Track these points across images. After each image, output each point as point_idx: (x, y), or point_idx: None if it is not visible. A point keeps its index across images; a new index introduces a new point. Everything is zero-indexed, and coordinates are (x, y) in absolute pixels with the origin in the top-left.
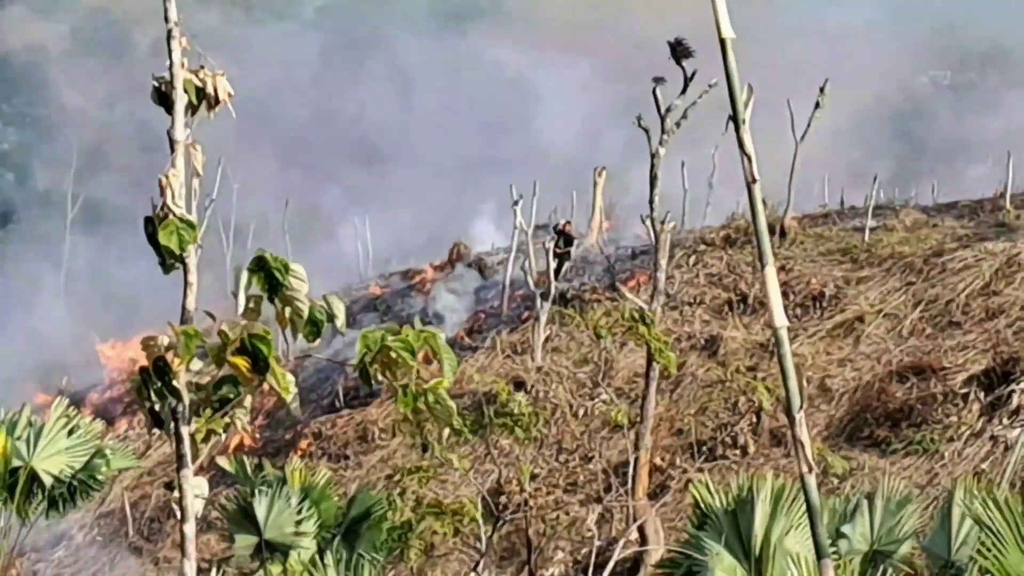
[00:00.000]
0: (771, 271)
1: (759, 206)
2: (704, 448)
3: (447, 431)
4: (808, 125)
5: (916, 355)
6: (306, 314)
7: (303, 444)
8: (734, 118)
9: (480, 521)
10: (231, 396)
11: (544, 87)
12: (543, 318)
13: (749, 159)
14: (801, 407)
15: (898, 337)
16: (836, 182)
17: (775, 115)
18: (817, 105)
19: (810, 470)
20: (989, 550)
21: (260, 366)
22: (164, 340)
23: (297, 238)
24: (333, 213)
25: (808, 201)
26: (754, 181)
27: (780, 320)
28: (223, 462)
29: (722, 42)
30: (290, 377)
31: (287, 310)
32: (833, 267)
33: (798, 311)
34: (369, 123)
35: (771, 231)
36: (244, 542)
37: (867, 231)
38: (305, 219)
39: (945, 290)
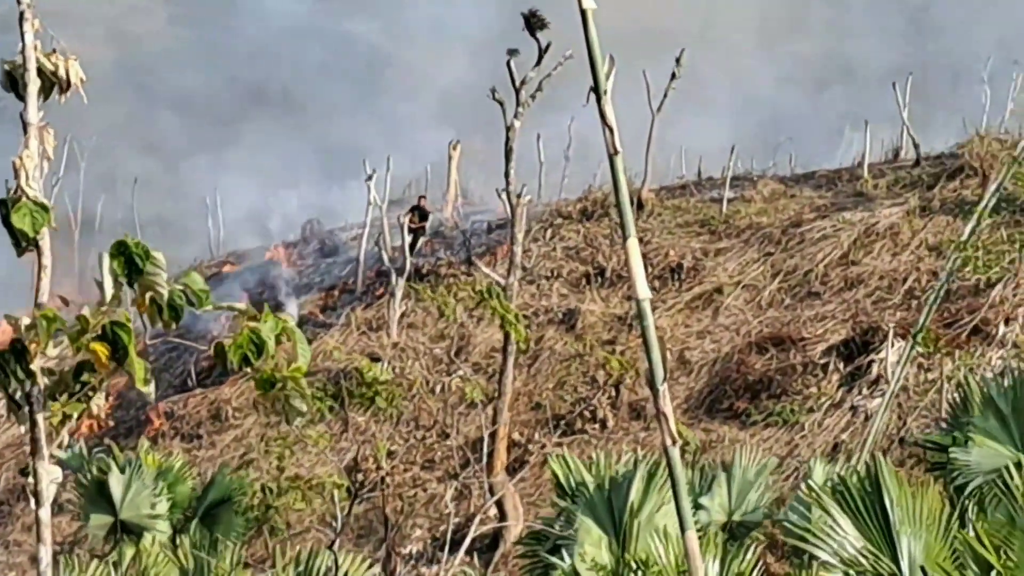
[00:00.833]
0: (633, 243)
1: (622, 178)
2: (563, 423)
3: (300, 415)
4: (664, 95)
5: (775, 326)
6: (166, 300)
7: (155, 424)
8: (595, 89)
9: (336, 498)
10: (89, 382)
11: (400, 59)
12: (398, 294)
13: (611, 130)
14: (664, 379)
15: (757, 308)
16: (692, 154)
17: (631, 85)
18: (673, 76)
19: (674, 443)
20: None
21: (119, 354)
22: (25, 321)
23: (150, 215)
24: (187, 186)
25: (665, 173)
26: (616, 152)
27: (643, 292)
28: (58, 452)
29: (583, 12)
30: (147, 366)
31: (147, 295)
32: (691, 239)
33: (656, 283)
34: (226, 96)
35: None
36: (98, 522)
37: (725, 202)
38: (159, 193)
39: (804, 260)
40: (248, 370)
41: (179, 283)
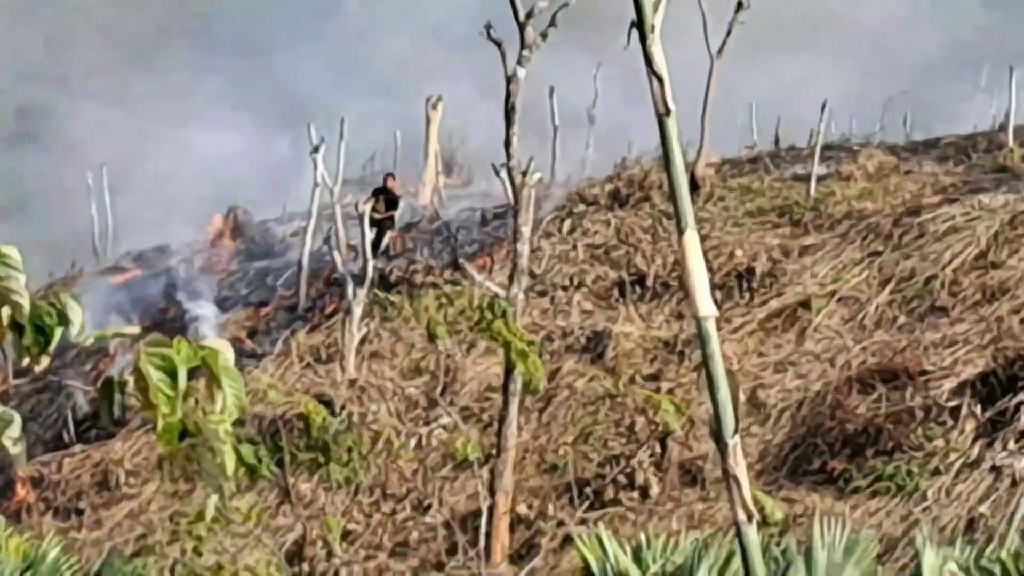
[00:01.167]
0: (692, 238)
1: (675, 147)
2: (588, 490)
3: (224, 480)
4: (728, 32)
5: (885, 355)
6: (27, 319)
7: (18, 494)
8: (638, 24)
9: None
10: None
11: None
12: (357, 311)
13: (660, 81)
14: (736, 430)
15: (859, 330)
16: (769, 111)
17: (680, 15)
18: (740, 5)
19: (749, 517)
20: None
21: None
22: None
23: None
24: (63, 151)
25: (729, 140)
26: (667, 112)
27: (706, 307)
28: None
29: None
30: (14, 416)
31: (3, 313)
32: (766, 232)
33: (718, 295)
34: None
35: None
36: None
37: (813, 181)
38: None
39: (925, 263)
40: (151, 417)
41: (47, 297)
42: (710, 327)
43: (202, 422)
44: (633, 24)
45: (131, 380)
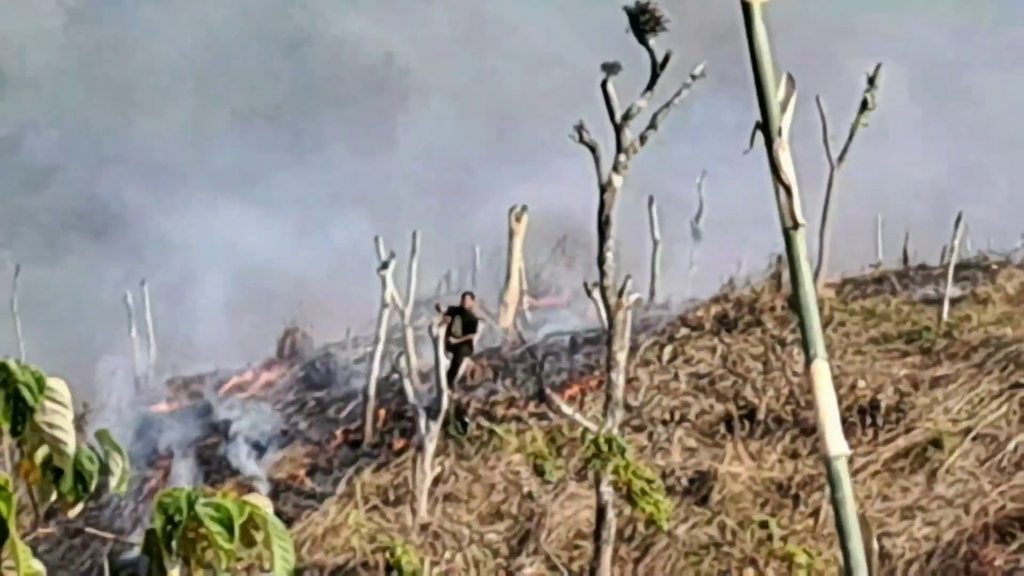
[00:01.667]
0: (822, 368)
1: (804, 265)
2: None
3: None
4: (850, 136)
5: None
6: (69, 463)
7: None
8: (764, 127)
9: None
10: None
11: (422, 74)
12: (429, 447)
13: (788, 192)
14: None
15: (997, 472)
16: (895, 226)
17: (798, 121)
18: (865, 105)
19: None
20: None
21: None
22: None
23: (30, 316)
24: (84, 280)
25: (851, 257)
26: (795, 226)
27: (837, 446)
28: None
29: (745, 3)
30: (38, 566)
31: (39, 453)
32: (892, 361)
33: None
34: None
35: (793, 305)
36: None
37: (946, 304)
38: (39, 287)
39: None
40: (192, 566)
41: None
42: (841, 468)
43: None
44: (758, 126)
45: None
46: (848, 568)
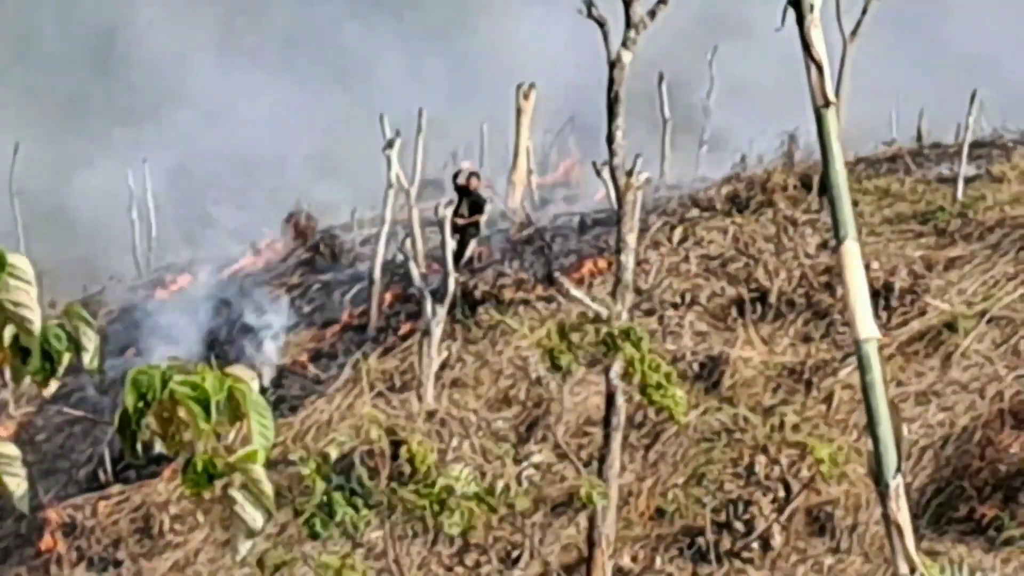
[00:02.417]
0: (853, 249)
1: (835, 144)
2: (701, 540)
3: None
4: (863, 11)
5: None
6: (36, 342)
7: (46, 541)
8: (796, 3)
9: None
10: None
11: None
12: (436, 332)
13: (820, 70)
14: (899, 470)
15: (1013, 355)
16: (910, 103)
17: None
18: None
19: (912, 571)
20: None
21: None
22: None
23: (28, 196)
24: (85, 156)
25: (865, 135)
26: (827, 104)
27: (868, 328)
28: None
29: None
30: (13, 450)
31: (6, 332)
32: (907, 242)
33: None
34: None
35: (806, 184)
36: None
37: (961, 183)
38: (43, 165)
39: None
40: (171, 445)
41: (58, 317)
42: (871, 351)
43: (237, 461)
44: (789, 2)
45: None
46: (877, 454)
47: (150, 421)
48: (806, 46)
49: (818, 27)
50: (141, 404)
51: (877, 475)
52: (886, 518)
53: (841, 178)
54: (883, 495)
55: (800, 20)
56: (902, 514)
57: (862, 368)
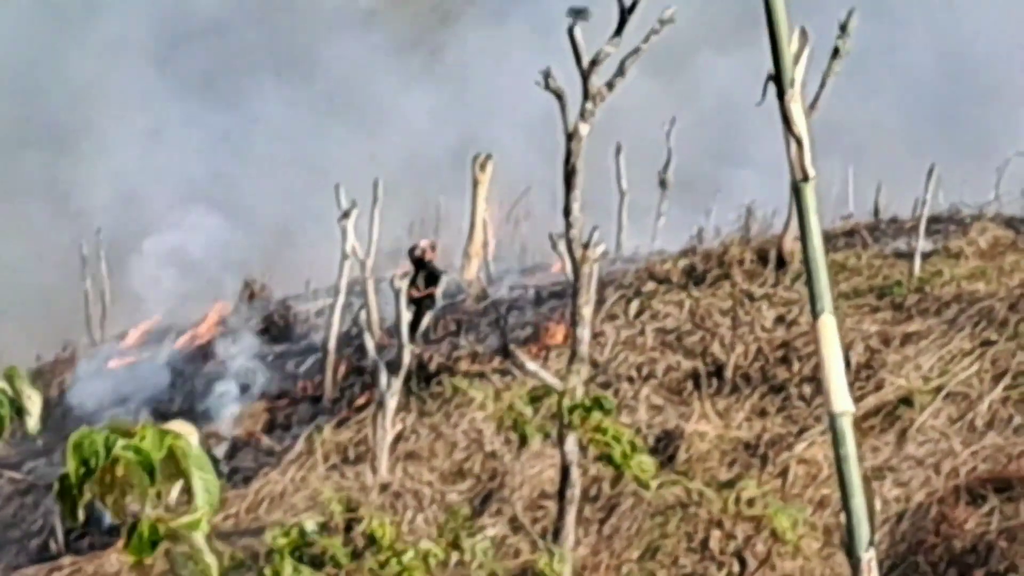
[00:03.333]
0: (829, 322)
1: (813, 217)
2: None
3: None
4: (822, 85)
5: (998, 460)
6: None
7: None
8: (777, 78)
9: None
10: None
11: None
12: (391, 404)
13: (799, 144)
14: (871, 543)
15: (969, 431)
16: (867, 177)
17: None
18: (836, 52)
19: None
20: None
21: None
22: None
23: None
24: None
25: (822, 209)
26: (805, 178)
27: (842, 402)
28: None
29: None
30: None
31: None
32: (863, 317)
33: (806, 388)
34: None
35: (762, 258)
36: None
37: (918, 258)
38: None
39: None
40: (115, 510)
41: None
42: (846, 425)
43: (180, 526)
44: (770, 77)
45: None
46: (850, 527)
47: (94, 486)
48: (786, 121)
49: (798, 102)
50: (83, 470)
51: (849, 548)
52: None
53: (819, 252)
54: (855, 568)
55: (780, 95)
56: None
57: (836, 441)
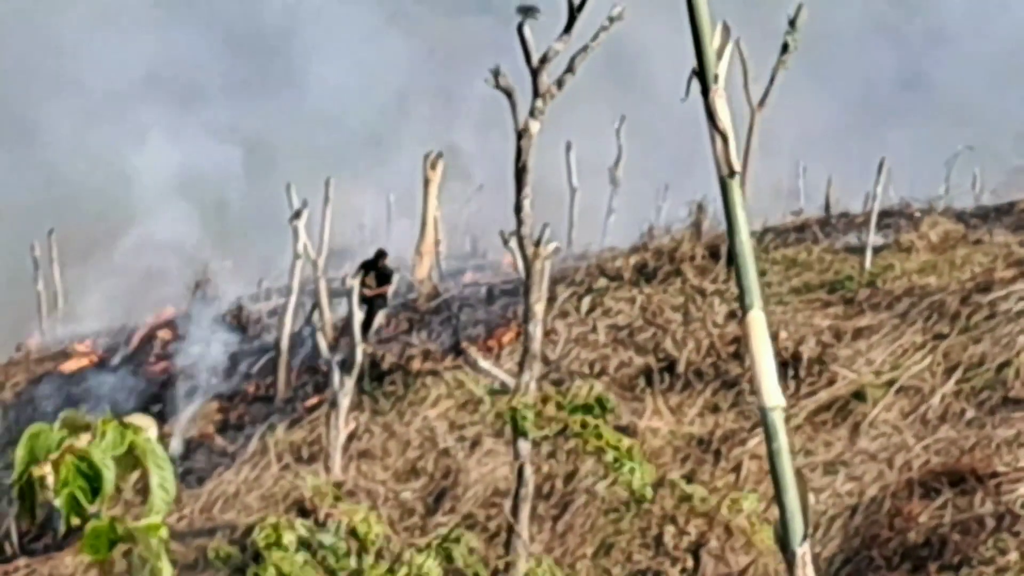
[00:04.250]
0: (758, 318)
1: (740, 213)
2: None
3: None
4: (771, 80)
5: (951, 454)
6: None
7: None
8: (700, 75)
9: None
10: None
11: (328, 28)
12: (343, 403)
13: (724, 140)
14: (805, 537)
15: (921, 425)
16: (818, 172)
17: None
18: (785, 48)
19: None
20: None
21: None
22: None
23: None
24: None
25: (772, 206)
26: (731, 174)
27: (773, 397)
28: None
29: None
30: None
31: None
32: (814, 312)
33: None
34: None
35: (713, 254)
36: None
37: (869, 253)
38: None
39: (996, 347)
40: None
41: None
42: (777, 419)
43: (134, 526)
44: (694, 73)
45: (49, 477)
46: (784, 521)
47: (49, 483)
48: (710, 116)
49: (722, 97)
50: (32, 462)
51: (784, 542)
52: None
53: (747, 247)
54: (790, 563)
55: (705, 91)
56: None
57: (768, 436)
